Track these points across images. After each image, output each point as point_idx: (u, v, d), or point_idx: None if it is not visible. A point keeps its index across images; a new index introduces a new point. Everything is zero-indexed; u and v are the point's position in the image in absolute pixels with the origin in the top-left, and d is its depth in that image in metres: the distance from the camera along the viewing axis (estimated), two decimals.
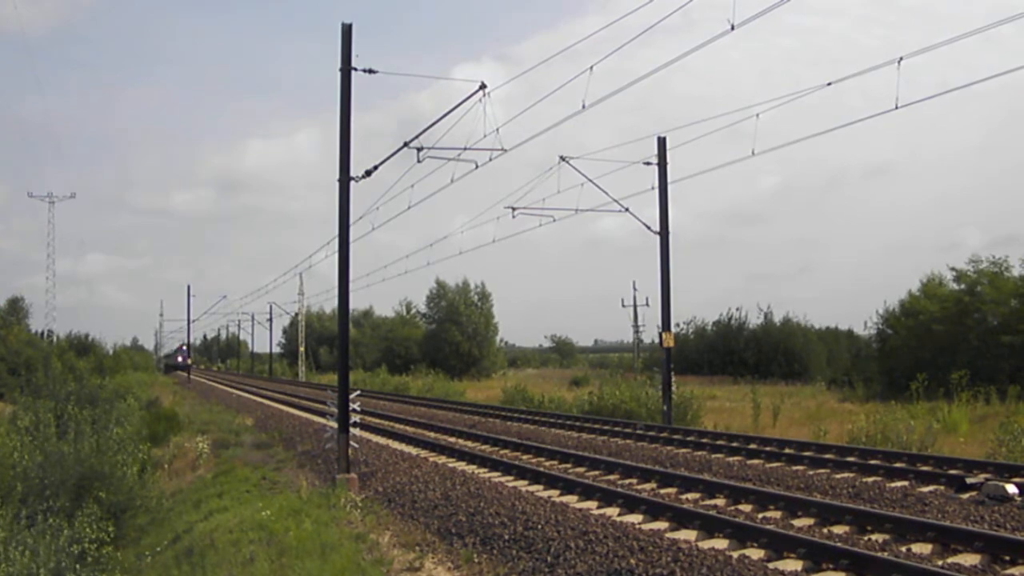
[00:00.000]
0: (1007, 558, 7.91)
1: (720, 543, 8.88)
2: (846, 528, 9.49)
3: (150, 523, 16.05)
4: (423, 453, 17.49)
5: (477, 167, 17.09)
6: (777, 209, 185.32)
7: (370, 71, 15.43)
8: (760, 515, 10.43)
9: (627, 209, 23.96)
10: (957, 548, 8.36)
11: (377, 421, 25.33)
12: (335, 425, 15.53)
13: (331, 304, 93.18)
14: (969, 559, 7.99)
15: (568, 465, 15.51)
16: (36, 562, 9.99)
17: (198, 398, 47.20)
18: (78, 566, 10.78)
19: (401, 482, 14.11)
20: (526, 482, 13.42)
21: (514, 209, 23.90)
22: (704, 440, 18.29)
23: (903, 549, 8.41)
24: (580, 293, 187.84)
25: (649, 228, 24.03)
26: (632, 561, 8.17)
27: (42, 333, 74.23)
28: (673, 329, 24.61)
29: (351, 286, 15.70)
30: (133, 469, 16.64)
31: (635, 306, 68.08)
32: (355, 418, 15.78)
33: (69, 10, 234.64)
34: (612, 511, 10.75)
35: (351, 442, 15.16)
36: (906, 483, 12.10)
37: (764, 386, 39.15)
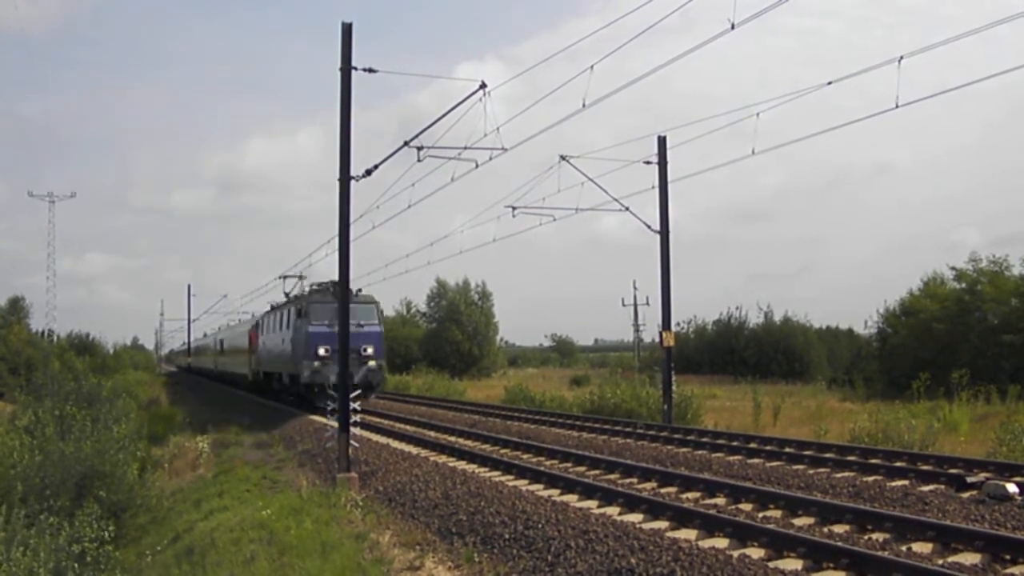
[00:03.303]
0: (1008, 557, 7.92)
1: (720, 542, 8.88)
2: (847, 527, 9.49)
3: (150, 522, 16.05)
4: (423, 452, 17.48)
5: (477, 166, 16.91)
6: (778, 208, 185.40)
7: (370, 70, 15.43)
8: (760, 514, 10.43)
9: (627, 208, 23.85)
10: (958, 547, 8.36)
11: (377, 420, 25.32)
12: (335, 424, 15.53)
13: None
14: (970, 558, 8.00)
15: (568, 464, 15.51)
16: (37, 561, 9.99)
17: (198, 397, 47.17)
18: (77, 565, 10.77)
19: (401, 481, 14.11)
20: (526, 481, 13.41)
21: (514, 208, 23.83)
22: (704, 439, 18.28)
23: (904, 548, 8.41)
24: (580, 292, 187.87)
25: (649, 227, 24.02)
26: (632, 560, 8.17)
27: (42, 333, 74.15)
28: (673, 328, 24.59)
29: (351, 285, 15.70)
30: (133, 468, 16.65)
31: (635, 305, 68.10)
32: (355, 417, 15.78)
33: (69, 10, 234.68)
34: (613, 510, 10.75)
35: (351, 441, 15.16)
36: (906, 482, 12.10)
37: (764, 385, 39.14)
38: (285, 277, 34.63)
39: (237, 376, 44.95)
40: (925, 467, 13.32)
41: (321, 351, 25.06)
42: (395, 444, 19.20)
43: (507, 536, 9.73)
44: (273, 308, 34.16)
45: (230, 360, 48.78)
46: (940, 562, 7.87)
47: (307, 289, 30.58)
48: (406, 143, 16.53)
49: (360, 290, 26.36)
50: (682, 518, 9.91)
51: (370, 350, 25.63)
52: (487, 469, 14.93)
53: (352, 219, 15.83)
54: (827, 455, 14.96)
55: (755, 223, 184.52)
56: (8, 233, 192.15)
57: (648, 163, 23.90)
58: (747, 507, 10.92)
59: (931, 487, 11.76)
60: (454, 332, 79.34)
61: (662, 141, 23.91)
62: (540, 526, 9.79)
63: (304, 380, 25.63)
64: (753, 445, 16.74)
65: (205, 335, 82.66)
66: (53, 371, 29.52)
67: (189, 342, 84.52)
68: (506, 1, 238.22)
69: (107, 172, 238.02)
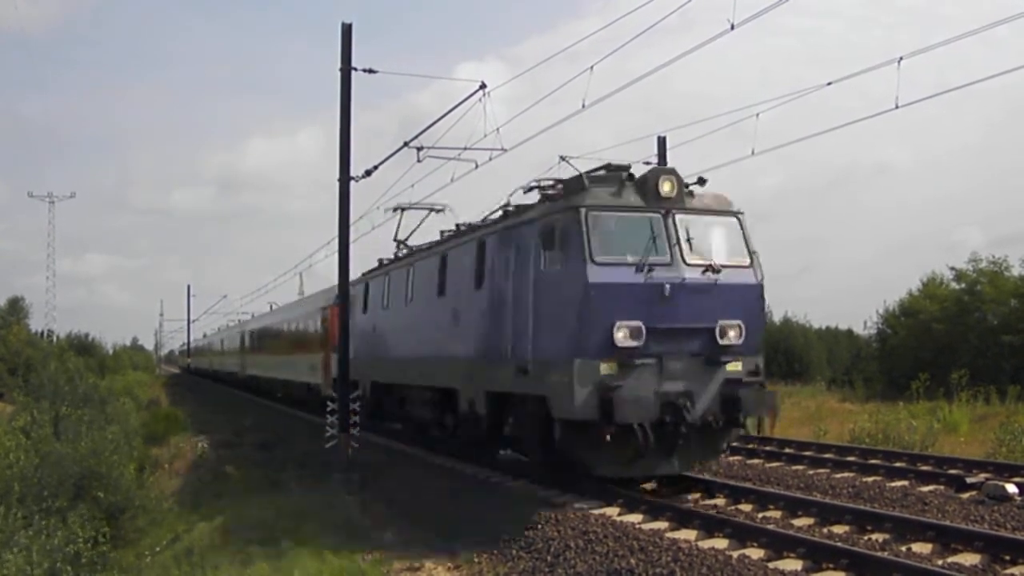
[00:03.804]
0: (1007, 558, 7.90)
1: (720, 543, 8.86)
2: (846, 528, 9.47)
3: (149, 523, 16.03)
4: (422, 452, 17.45)
5: (477, 167, 16.99)
6: (778, 209, 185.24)
7: (370, 71, 15.46)
8: (760, 515, 10.40)
9: None
10: (957, 548, 8.34)
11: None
12: (336, 424, 15.53)
13: None
14: (969, 559, 7.98)
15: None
16: (30, 563, 9.98)
17: (198, 397, 47.17)
18: (71, 567, 10.76)
19: (401, 482, 14.10)
20: (526, 482, 13.37)
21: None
22: None
23: (903, 549, 8.39)
24: None
25: None
26: (632, 561, 8.15)
27: (42, 333, 74.08)
28: None
29: None
30: (130, 468, 16.63)
31: None
32: (355, 417, 15.76)
33: (69, 10, 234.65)
34: (612, 511, 10.71)
35: (352, 442, 15.15)
36: (906, 483, 12.08)
37: None
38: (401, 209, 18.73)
39: (291, 387, 28.50)
40: (925, 467, 13.30)
41: (621, 334, 10.53)
42: (395, 444, 19.18)
43: (506, 536, 9.70)
44: (414, 251, 17.18)
45: (276, 362, 31.98)
46: (940, 562, 7.86)
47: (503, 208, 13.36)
48: (406, 143, 16.56)
49: (700, 180, 11.91)
50: (682, 518, 9.89)
51: (732, 333, 11.08)
52: (485, 469, 14.90)
53: (352, 219, 15.83)
54: (827, 455, 14.94)
55: (755, 223, 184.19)
56: (8, 233, 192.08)
57: (648, 164, 23.82)
58: (747, 508, 10.88)
59: (931, 487, 11.74)
60: None
61: (662, 141, 23.87)
62: (539, 526, 9.77)
63: (576, 412, 10.56)
64: (752, 445, 16.70)
65: (205, 335, 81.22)
66: (51, 372, 29.48)
67: (189, 342, 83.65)
68: (506, 1, 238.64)
69: (107, 172, 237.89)
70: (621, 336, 10.38)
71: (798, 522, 9.87)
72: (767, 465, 14.38)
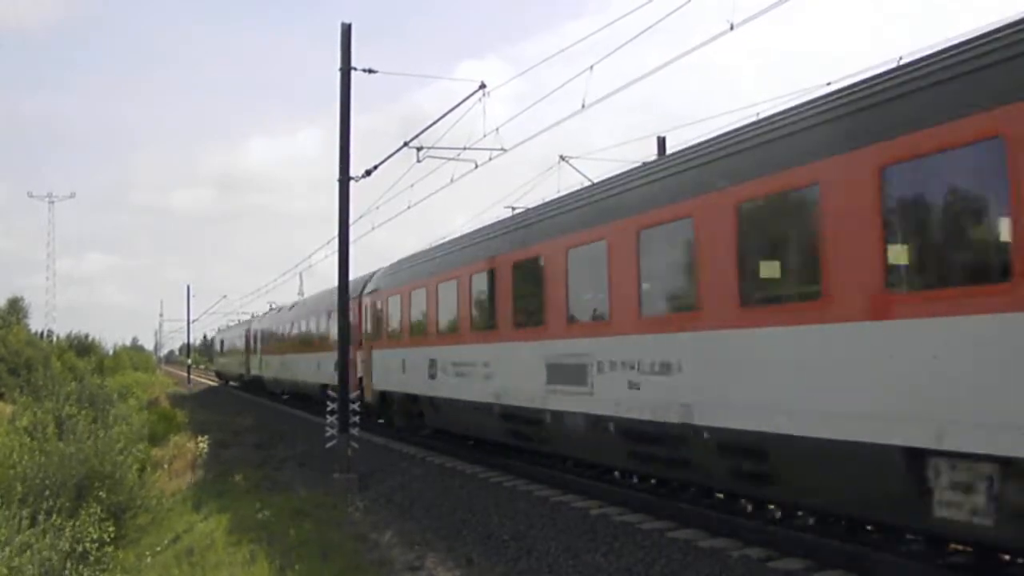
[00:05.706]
0: (1006, 558, 7.91)
1: (720, 543, 8.87)
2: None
3: (151, 523, 16.07)
4: (423, 453, 17.48)
5: (476, 167, 17.08)
6: None
7: (370, 71, 15.44)
8: (761, 514, 10.40)
9: None
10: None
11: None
12: (336, 424, 15.54)
13: None
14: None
15: (569, 464, 15.48)
16: (35, 561, 10.02)
17: (198, 397, 47.19)
18: (80, 566, 10.80)
19: (401, 481, 14.12)
20: (525, 482, 13.40)
21: (514, 208, 23.79)
22: None
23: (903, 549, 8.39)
24: None
25: None
26: (632, 560, 8.18)
27: (42, 333, 74.17)
28: None
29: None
30: (133, 469, 16.68)
31: None
32: (355, 418, 15.77)
33: (70, 10, 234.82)
34: (612, 510, 10.74)
35: (351, 442, 15.16)
36: None
37: None
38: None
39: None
40: None
41: None
42: (395, 444, 19.20)
43: (506, 536, 9.73)
44: None
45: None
46: (939, 562, 7.87)
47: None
48: (406, 143, 16.56)
49: None
50: (682, 518, 9.91)
51: None
52: (485, 469, 14.93)
53: (352, 219, 15.83)
54: None
55: None
56: (8, 233, 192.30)
57: None
58: (748, 507, 10.88)
59: None
60: None
61: (661, 142, 23.82)
62: (539, 526, 9.79)
63: None
64: None
65: (216, 330, 79.84)
66: (55, 372, 29.43)
67: (189, 341, 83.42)
68: (506, 1, 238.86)
69: (107, 172, 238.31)
70: None
71: (799, 522, 9.88)
72: None
